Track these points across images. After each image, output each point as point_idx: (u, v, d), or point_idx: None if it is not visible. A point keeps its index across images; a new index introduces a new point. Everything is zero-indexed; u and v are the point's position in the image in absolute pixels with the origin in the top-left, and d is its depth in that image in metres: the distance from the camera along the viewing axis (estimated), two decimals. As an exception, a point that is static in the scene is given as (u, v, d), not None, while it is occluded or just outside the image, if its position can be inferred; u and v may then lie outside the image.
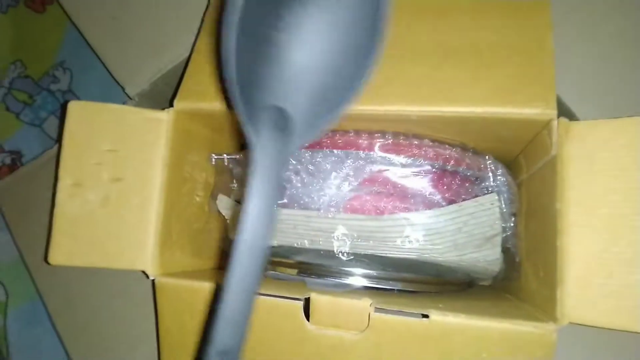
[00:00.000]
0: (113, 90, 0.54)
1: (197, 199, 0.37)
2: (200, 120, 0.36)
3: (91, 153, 0.32)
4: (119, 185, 0.32)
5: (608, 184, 0.26)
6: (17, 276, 0.65)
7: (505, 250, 0.36)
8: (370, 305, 0.28)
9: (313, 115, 0.21)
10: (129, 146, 0.32)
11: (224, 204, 0.38)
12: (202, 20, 0.38)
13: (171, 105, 0.33)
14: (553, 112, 0.28)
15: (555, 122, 0.28)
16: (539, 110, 0.28)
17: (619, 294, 0.24)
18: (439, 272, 0.35)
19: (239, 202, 0.38)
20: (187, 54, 0.48)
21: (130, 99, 0.52)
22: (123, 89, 0.52)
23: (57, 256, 0.31)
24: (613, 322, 0.24)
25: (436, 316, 0.27)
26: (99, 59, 0.53)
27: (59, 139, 0.33)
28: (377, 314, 0.28)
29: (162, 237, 0.32)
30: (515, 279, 0.36)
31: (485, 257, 0.34)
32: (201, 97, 0.34)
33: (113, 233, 0.31)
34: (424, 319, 0.27)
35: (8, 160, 0.69)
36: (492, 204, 0.33)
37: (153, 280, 0.31)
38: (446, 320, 0.27)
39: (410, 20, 0.34)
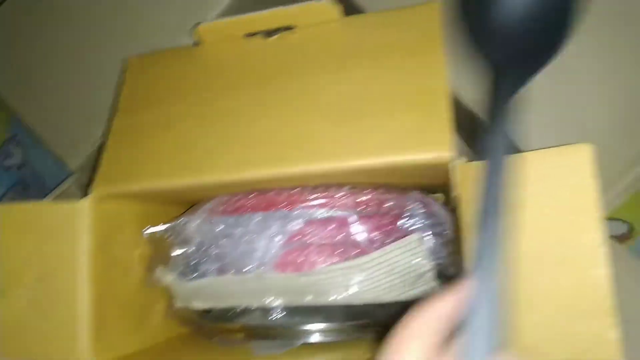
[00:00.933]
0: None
1: (134, 275, 0.38)
2: (124, 199, 0.36)
3: (14, 256, 0.32)
4: (44, 285, 0.32)
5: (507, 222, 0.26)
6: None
7: (449, 277, 0.36)
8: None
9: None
10: (52, 243, 0.32)
11: (164, 274, 0.38)
12: (116, 99, 0.39)
13: (86, 193, 0.33)
14: (448, 155, 0.28)
15: (453, 164, 0.28)
16: (434, 154, 0.28)
17: (526, 334, 0.25)
18: (384, 310, 0.35)
19: (182, 272, 0.39)
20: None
21: (73, 172, 0.52)
22: (64, 162, 0.52)
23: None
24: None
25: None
26: (34, 134, 0.53)
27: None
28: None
29: (95, 326, 0.32)
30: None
31: (423, 292, 0.35)
32: (120, 178, 0.34)
33: (42, 333, 0.31)
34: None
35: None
36: (416, 243, 0.33)
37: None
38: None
39: (313, 74, 0.34)
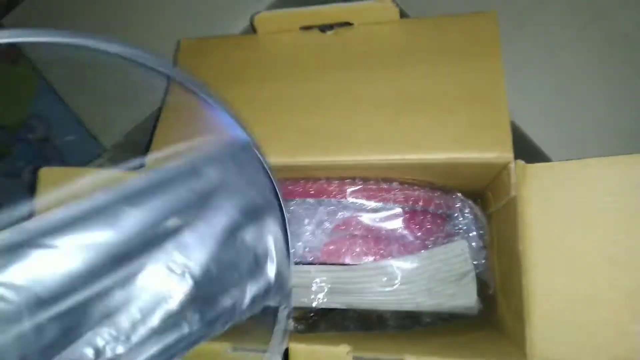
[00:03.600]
0: (91, 140, 0.55)
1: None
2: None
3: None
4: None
5: (566, 223, 0.27)
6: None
7: (480, 283, 0.37)
8: (348, 353, 0.29)
9: None
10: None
11: None
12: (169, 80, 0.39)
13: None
14: (509, 155, 0.29)
15: (512, 165, 0.29)
16: (496, 154, 0.29)
17: (584, 331, 0.25)
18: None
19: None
20: (158, 104, 0.49)
21: (106, 150, 0.52)
22: (97, 140, 0.52)
23: None
24: (580, 358, 0.25)
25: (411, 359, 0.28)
26: (72, 111, 0.54)
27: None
28: (356, 361, 0.29)
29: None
30: (492, 310, 0.37)
31: (462, 303, 0.35)
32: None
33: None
34: (401, 364, 0.28)
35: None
36: (462, 250, 0.34)
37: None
38: (421, 363, 0.27)
39: (369, 69, 0.35)
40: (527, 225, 0.28)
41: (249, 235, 0.25)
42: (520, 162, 0.29)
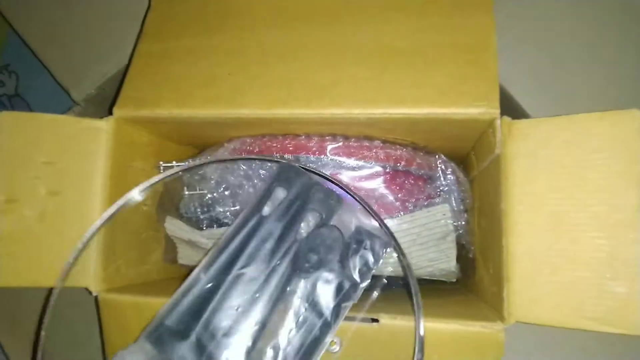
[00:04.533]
0: (63, 94, 0.52)
1: (145, 208, 0.36)
2: (143, 126, 0.34)
3: (26, 166, 0.30)
4: (57, 199, 0.30)
5: (550, 181, 0.26)
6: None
7: (459, 248, 0.36)
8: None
9: None
10: (67, 158, 0.31)
11: (173, 226, 0.37)
12: (143, 23, 0.37)
13: (110, 113, 0.32)
14: (496, 112, 0.28)
15: (498, 121, 0.28)
16: (482, 110, 0.28)
17: (563, 292, 0.25)
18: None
19: (189, 217, 0.37)
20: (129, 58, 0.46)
21: (76, 104, 0.50)
22: (68, 93, 0.50)
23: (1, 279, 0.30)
24: (557, 319, 0.25)
25: (386, 320, 0.27)
26: (42, 64, 0.51)
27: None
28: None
29: (105, 251, 0.31)
30: (471, 275, 0.36)
31: (441, 269, 0.35)
32: (143, 103, 0.33)
33: (52, 250, 0.30)
34: (374, 323, 0.27)
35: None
36: (444, 214, 0.33)
37: (96, 296, 0.30)
38: (395, 323, 0.27)
39: (354, 22, 0.33)
40: (511, 184, 0.27)
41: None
42: (507, 119, 0.28)
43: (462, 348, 0.26)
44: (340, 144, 0.33)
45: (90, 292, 0.30)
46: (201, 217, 0.36)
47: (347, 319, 0.27)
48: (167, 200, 0.37)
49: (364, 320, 0.27)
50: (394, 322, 0.27)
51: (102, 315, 0.30)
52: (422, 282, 0.38)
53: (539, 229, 0.26)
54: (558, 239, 0.25)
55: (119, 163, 0.32)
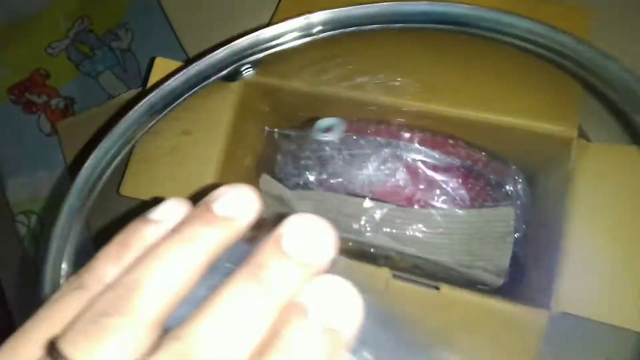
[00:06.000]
0: (169, 56, 0.59)
1: (246, 163, 0.42)
2: (262, 95, 0.40)
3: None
4: (187, 138, 0.36)
5: (615, 200, 0.30)
6: (54, 213, 0.70)
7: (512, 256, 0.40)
8: (389, 272, 0.33)
9: None
10: (201, 108, 0.37)
11: (266, 182, 0.43)
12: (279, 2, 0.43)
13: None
14: (574, 132, 0.32)
15: (575, 141, 0.32)
16: (562, 128, 0.32)
17: (614, 292, 0.29)
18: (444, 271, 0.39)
19: (280, 179, 0.43)
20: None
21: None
22: (186, 54, 0.56)
23: (127, 189, 0.36)
24: (606, 316, 0.28)
25: (446, 289, 0.31)
26: (169, 22, 0.57)
27: (143, 89, 0.38)
28: (395, 280, 0.33)
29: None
30: (517, 279, 0.40)
31: (493, 266, 0.38)
32: (267, 74, 0.38)
33: (177, 177, 0.36)
34: (435, 290, 0.32)
35: (62, 105, 0.74)
36: (508, 215, 0.37)
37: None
38: (454, 293, 0.31)
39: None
40: (577, 196, 0.31)
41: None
42: (583, 140, 0.32)
43: (507, 324, 0.30)
44: (429, 137, 0.38)
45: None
46: (291, 179, 0.42)
47: (411, 282, 0.32)
48: (264, 161, 0.43)
49: (426, 285, 0.32)
50: (452, 292, 0.31)
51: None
52: (461, 282, 0.42)
53: (598, 236, 0.30)
54: (615, 246, 0.29)
55: (239, 119, 0.38)
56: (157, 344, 0.12)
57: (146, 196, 0.36)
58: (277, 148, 0.44)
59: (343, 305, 0.13)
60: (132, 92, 0.60)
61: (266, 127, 0.43)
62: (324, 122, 0.38)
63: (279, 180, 0.43)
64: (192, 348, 0.12)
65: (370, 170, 0.38)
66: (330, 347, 0.13)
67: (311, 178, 0.41)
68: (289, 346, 0.12)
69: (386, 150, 0.38)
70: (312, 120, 0.43)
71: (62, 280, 0.28)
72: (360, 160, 0.38)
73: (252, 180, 0.43)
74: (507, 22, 0.30)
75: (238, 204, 0.15)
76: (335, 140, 0.38)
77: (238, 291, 0.13)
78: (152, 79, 0.37)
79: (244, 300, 0.13)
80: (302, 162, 0.41)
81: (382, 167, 0.38)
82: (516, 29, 0.30)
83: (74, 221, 0.30)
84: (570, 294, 0.30)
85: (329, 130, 0.38)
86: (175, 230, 0.14)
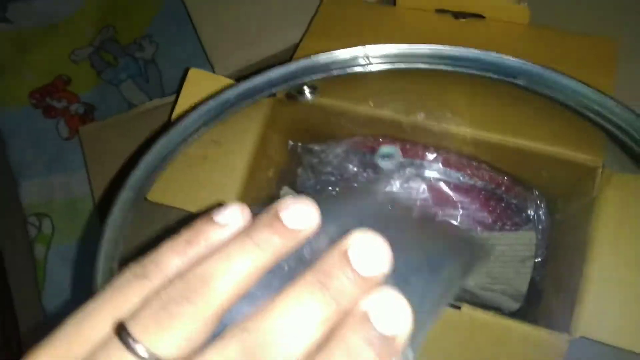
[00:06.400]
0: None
1: (269, 174, 0.43)
2: (289, 110, 0.41)
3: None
4: (221, 148, 0.37)
5: (638, 229, 0.30)
6: (66, 216, 0.70)
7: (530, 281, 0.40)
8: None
9: None
10: (232, 118, 0.38)
11: (286, 194, 0.43)
12: (310, 23, 0.44)
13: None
14: (600, 161, 0.32)
15: (600, 170, 0.32)
16: (588, 157, 0.33)
17: (635, 319, 0.29)
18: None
19: (301, 192, 0.44)
20: (278, 51, 0.54)
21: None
22: (212, 67, 0.58)
23: (155, 195, 0.36)
24: (627, 342, 0.29)
25: (467, 309, 0.32)
26: (197, 35, 0.59)
27: (176, 97, 0.39)
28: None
29: (241, 196, 0.37)
30: (534, 304, 0.40)
31: (512, 289, 0.39)
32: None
33: (203, 186, 0.37)
34: (457, 309, 0.32)
35: (81, 110, 0.75)
36: (530, 239, 0.37)
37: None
38: (475, 313, 0.31)
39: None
40: (601, 223, 0.31)
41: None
42: (608, 169, 0.32)
43: (527, 347, 0.31)
44: (453, 157, 0.38)
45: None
46: (312, 193, 0.43)
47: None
48: (286, 174, 0.44)
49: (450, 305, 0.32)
50: (474, 313, 0.32)
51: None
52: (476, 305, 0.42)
53: (620, 264, 0.30)
54: (636, 275, 0.29)
55: (267, 132, 0.39)
56: (222, 334, 0.13)
57: (171, 202, 0.37)
58: (299, 161, 0.44)
59: (398, 315, 0.15)
60: (156, 102, 0.61)
61: (290, 141, 0.44)
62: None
63: (300, 193, 0.44)
64: (259, 339, 0.13)
65: (393, 188, 0.38)
66: (386, 352, 0.14)
67: (333, 193, 0.42)
68: (350, 347, 0.14)
69: (409, 169, 0.39)
70: (334, 137, 0.44)
71: (114, 265, 0.29)
72: (384, 181, 0.39)
73: (273, 192, 0.44)
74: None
75: (304, 217, 0.16)
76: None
77: (305, 295, 0.14)
78: (186, 89, 0.38)
79: (311, 303, 0.14)
80: (324, 177, 0.42)
81: (405, 186, 0.38)
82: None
83: (128, 215, 0.31)
84: (590, 319, 0.30)
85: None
86: (247, 234, 0.16)
